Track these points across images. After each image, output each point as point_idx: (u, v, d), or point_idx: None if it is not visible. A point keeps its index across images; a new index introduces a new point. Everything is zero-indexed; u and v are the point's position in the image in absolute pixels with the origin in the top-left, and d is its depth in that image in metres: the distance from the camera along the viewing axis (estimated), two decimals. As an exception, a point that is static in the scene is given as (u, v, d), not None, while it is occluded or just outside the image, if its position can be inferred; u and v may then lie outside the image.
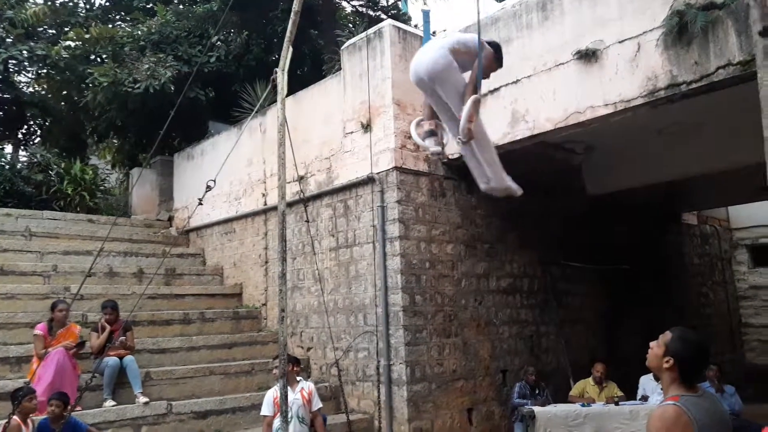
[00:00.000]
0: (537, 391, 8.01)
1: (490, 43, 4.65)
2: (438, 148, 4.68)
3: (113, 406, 6.74)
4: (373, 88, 8.00)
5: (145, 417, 6.73)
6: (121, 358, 7.06)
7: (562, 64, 6.80)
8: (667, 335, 2.53)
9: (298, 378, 6.20)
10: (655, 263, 12.02)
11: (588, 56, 6.55)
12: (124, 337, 7.19)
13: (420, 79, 4.58)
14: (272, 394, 6.04)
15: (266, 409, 6.06)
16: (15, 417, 5.30)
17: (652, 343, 2.57)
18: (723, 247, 15.34)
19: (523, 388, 7.97)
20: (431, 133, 4.72)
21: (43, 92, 14.99)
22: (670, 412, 2.32)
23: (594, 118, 6.57)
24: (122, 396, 7.01)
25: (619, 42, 6.33)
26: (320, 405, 6.14)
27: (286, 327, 4.97)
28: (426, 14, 5.20)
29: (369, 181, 7.95)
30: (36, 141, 15.66)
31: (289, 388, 5.92)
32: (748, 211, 14.80)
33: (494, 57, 4.59)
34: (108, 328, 7.20)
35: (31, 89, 15.39)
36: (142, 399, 6.86)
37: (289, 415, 5.90)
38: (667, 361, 2.46)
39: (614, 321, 10.41)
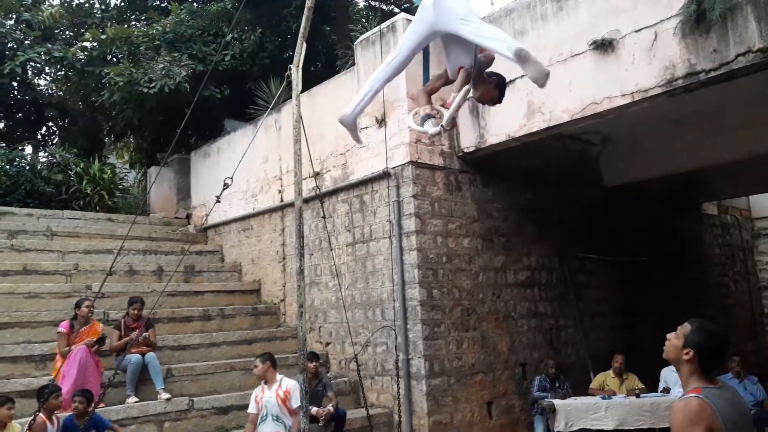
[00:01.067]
0: (557, 384, 7.98)
1: (496, 74, 4.42)
2: (436, 129, 4.55)
3: (136, 402, 6.84)
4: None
5: (167, 413, 6.82)
6: (143, 354, 7.16)
7: (578, 54, 6.74)
8: (686, 327, 2.50)
9: (279, 376, 6.19)
10: (674, 254, 11.88)
11: (604, 46, 6.48)
12: (146, 333, 7.29)
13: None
14: (256, 392, 6.17)
15: (250, 407, 6.18)
16: (41, 414, 5.39)
17: (669, 335, 2.54)
18: (744, 237, 15.12)
19: (543, 381, 7.95)
20: (428, 116, 4.61)
21: (61, 93, 15.16)
22: (693, 405, 2.29)
23: (611, 109, 6.51)
24: (144, 392, 7.10)
25: (636, 31, 6.26)
26: (298, 403, 5.70)
27: (305, 322, 5.00)
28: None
29: (384, 175, 7.95)
30: (55, 141, 15.85)
31: (265, 386, 6.07)
32: (770, 200, 14.57)
33: (494, 85, 4.37)
34: (124, 338, 7.28)
35: (49, 90, 15.58)
36: (164, 395, 6.95)
37: (264, 413, 6.01)
38: (686, 353, 2.44)
39: (633, 313, 10.32)
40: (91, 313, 7.09)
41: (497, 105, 4.75)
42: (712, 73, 5.73)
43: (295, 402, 5.88)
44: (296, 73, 4.71)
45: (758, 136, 8.26)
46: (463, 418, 7.63)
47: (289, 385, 6.10)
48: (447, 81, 4.59)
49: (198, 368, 7.73)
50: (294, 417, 5.91)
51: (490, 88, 4.22)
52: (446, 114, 4.13)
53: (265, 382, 6.17)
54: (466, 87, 4.09)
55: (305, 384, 5.36)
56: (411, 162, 7.73)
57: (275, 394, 6.04)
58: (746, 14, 5.49)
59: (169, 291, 8.68)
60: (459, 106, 4.08)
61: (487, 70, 4.27)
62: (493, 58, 4.27)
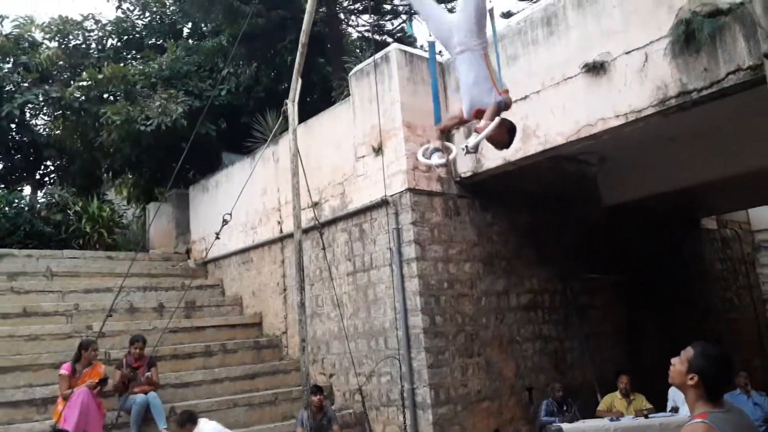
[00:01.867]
0: (565, 408, 7.88)
1: (509, 121, 4.35)
2: (443, 161, 4.61)
3: (140, 443, 6.75)
4: (383, 112, 8.05)
5: (171, 453, 6.73)
6: (145, 393, 7.08)
7: (570, 77, 6.81)
8: (689, 351, 2.49)
9: (201, 423, 6.54)
10: (675, 270, 11.85)
11: (596, 68, 6.55)
12: (149, 373, 7.22)
13: None
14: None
15: None
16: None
17: (674, 360, 2.53)
18: (745, 251, 15.09)
19: (550, 405, 7.86)
20: (435, 150, 4.66)
21: (59, 133, 15.25)
22: (698, 430, 2.28)
23: (605, 130, 6.56)
24: (147, 432, 7.02)
25: (626, 53, 6.33)
26: None
27: (307, 356, 4.97)
28: (432, 45, 5.23)
29: (383, 203, 7.97)
30: (53, 181, 15.89)
31: None
32: (769, 213, 14.58)
33: (507, 129, 4.28)
34: (123, 375, 7.23)
35: (47, 131, 15.68)
36: (168, 434, 6.86)
37: None
38: (691, 378, 2.42)
39: (638, 331, 10.26)
40: (96, 356, 7.05)
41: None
42: (704, 92, 5.79)
43: None
44: (292, 108, 4.76)
45: (753, 150, 8.31)
46: (472, 446, 7.52)
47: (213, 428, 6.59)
48: (461, 121, 4.62)
49: (201, 405, 7.64)
50: None
51: (504, 132, 4.18)
52: (474, 139, 4.09)
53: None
54: (498, 118, 4.07)
55: (310, 419, 5.31)
56: (409, 189, 7.75)
57: None
58: (734, 33, 5.56)
59: (170, 328, 8.60)
60: (489, 134, 4.07)
61: (504, 114, 4.28)
62: (511, 103, 4.27)
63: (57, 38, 14.68)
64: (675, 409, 7.72)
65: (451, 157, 4.79)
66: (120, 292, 7.36)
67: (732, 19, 5.56)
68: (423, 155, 4.80)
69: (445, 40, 4.39)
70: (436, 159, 4.62)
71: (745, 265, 14.87)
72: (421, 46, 15.04)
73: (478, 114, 4.17)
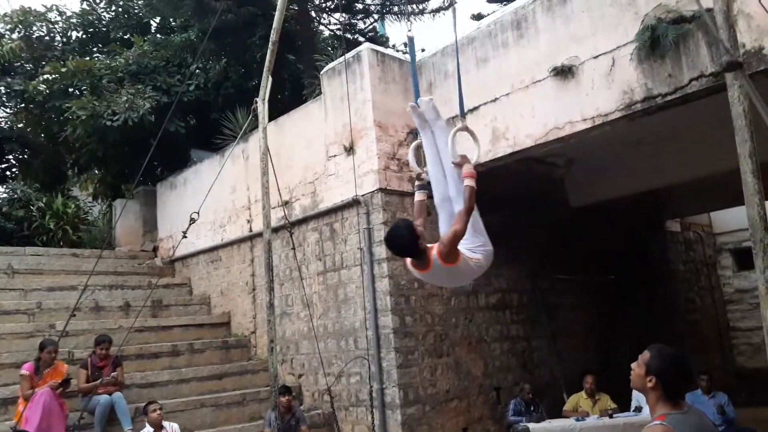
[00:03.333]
0: (532, 408, 7.98)
1: None
2: (422, 197, 4.55)
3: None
4: (355, 111, 8.04)
5: (135, 454, 6.62)
6: (110, 394, 6.96)
7: (539, 81, 6.89)
8: (645, 355, 2.54)
9: (164, 423, 6.63)
10: (641, 271, 12.10)
11: (564, 72, 6.64)
12: (115, 373, 7.10)
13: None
14: None
15: None
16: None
17: (633, 364, 2.58)
18: (707, 253, 15.50)
19: (518, 405, 7.95)
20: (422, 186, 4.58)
21: (21, 126, 14.89)
22: (657, 431, 2.32)
23: (573, 133, 6.64)
24: (112, 434, 6.89)
25: (594, 57, 6.43)
26: None
27: (276, 357, 4.94)
28: (411, 40, 5.25)
29: (354, 203, 7.96)
30: (15, 176, 15.49)
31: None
32: (730, 216, 14.97)
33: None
34: (91, 378, 7.11)
35: (8, 124, 15.27)
36: (132, 436, 6.75)
37: None
38: (650, 380, 2.47)
39: (605, 331, 10.45)
40: (55, 358, 6.89)
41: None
42: (669, 97, 5.90)
43: None
44: (262, 107, 4.72)
45: (715, 155, 8.50)
46: (440, 445, 7.57)
47: (174, 428, 6.71)
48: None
49: (167, 406, 7.50)
50: None
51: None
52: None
53: (155, 429, 6.53)
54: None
55: (278, 419, 5.28)
56: (380, 189, 7.75)
57: None
58: (698, 40, 5.69)
59: (136, 327, 8.47)
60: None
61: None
62: (448, 251, 3.94)
63: (19, 30, 14.29)
64: (638, 409, 7.87)
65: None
66: (85, 290, 7.21)
67: (695, 26, 5.68)
68: (413, 161, 4.75)
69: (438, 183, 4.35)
70: (418, 191, 4.52)
71: (707, 266, 15.28)
72: (393, 46, 15.09)
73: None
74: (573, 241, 10.12)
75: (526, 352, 9.10)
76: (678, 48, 5.77)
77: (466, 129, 4.36)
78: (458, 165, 4.10)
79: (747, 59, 5.16)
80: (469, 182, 3.95)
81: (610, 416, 7.54)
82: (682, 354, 2.58)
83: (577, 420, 7.55)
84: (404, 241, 3.86)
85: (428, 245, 3.91)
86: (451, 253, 3.82)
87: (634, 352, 2.69)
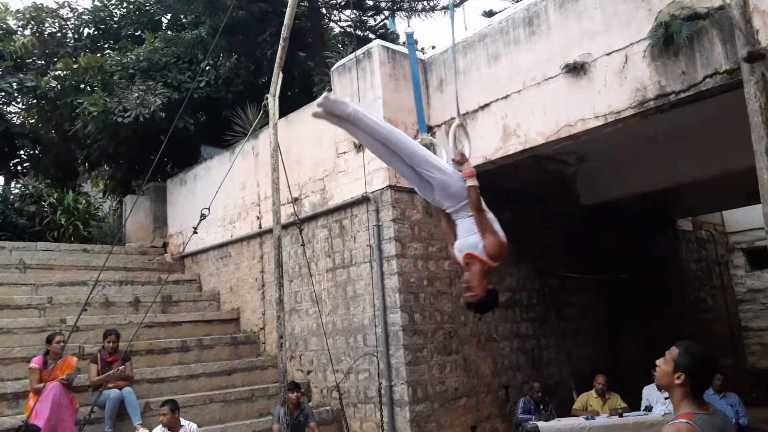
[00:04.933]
0: (541, 406, 7.94)
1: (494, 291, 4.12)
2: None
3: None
4: (365, 108, 7.99)
5: (145, 449, 6.65)
6: (120, 389, 6.99)
7: (551, 78, 6.84)
8: (673, 351, 2.49)
9: (183, 422, 6.51)
10: (652, 270, 12.02)
11: (576, 69, 6.59)
12: (123, 367, 7.13)
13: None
14: None
15: None
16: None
17: (658, 361, 2.53)
18: (719, 252, 15.36)
19: (527, 404, 7.92)
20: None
21: (33, 122, 14.98)
22: (682, 430, 2.29)
23: (585, 131, 6.60)
24: (121, 428, 6.93)
25: (607, 54, 6.38)
26: None
27: (285, 353, 4.94)
28: (409, 36, 5.22)
29: (364, 200, 7.95)
30: (27, 172, 15.59)
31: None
32: (743, 215, 14.82)
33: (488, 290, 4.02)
34: (101, 372, 7.13)
35: (21, 120, 15.37)
36: (143, 431, 6.78)
37: None
38: (678, 377, 2.43)
39: (615, 330, 10.38)
40: (63, 348, 6.92)
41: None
42: (682, 95, 5.84)
43: None
44: (273, 103, 4.71)
45: (730, 153, 8.42)
46: (448, 443, 7.55)
47: (192, 427, 6.58)
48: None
49: (177, 401, 7.55)
50: None
51: (482, 285, 3.93)
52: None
53: (169, 429, 6.40)
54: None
55: (287, 415, 5.28)
56: (390, 186, 7.73)
57: None
58: (712, 37, 5.62)
59: (146, 322, 8.51)
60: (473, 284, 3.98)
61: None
62: (501, 258, 4.04)
63: (31, 26, 14.37)
64: (648, 408, 7.83)
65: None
66: (95, 285, 7.23)
67: (710, 23, 5.62)
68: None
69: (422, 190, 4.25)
70: None
71: (719, 266, 15.14)
72: (403, 43, 15.05)
73: (466, 258, 4.03)
74: (584, 240, 10.05)
75: (535, 350, 9.06)
76: (692, 45, 5.71)
77: (461, 127, 4.33)
78: (458, 163, 4.07)
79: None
80: (472, 182, 3.95)
81: (620, 415, 7.50)
82: (710, 352, 2.54)
83: (587, 419, 7.51)
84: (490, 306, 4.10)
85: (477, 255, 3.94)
86: (499, 254, 3.94)
87: (644, 352, 2.67)
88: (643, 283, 11.32)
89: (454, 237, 4.14)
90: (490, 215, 4.05)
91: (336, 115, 3.99)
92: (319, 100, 3.83)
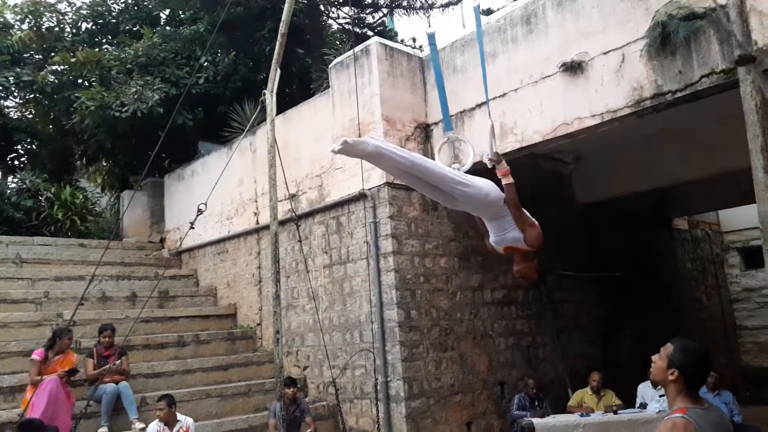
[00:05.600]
0: (536, 403, 7.99)
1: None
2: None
3: (108, 433, 6.69)
4: (362, 105, 8.02)
5: (141, 443, 6.67)
6: (116, 383, 7.01)
7: (549, 76, 6.87)
8: (668, 347, 2.54)
9: (179, 417, 6.51)
10: (648, 269, 12.07)
11: (573, 68, 6.61)
12: (119, 362, 7.15)
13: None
14: (155, 428, 6.37)
15: None
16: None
17: (654, 357, 2.57)
18: (715, 251, 15.43)
19: (522, 400, 7.96)
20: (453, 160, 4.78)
21: (30, 117, 14.94)
22: (679, 424, 2.33)
23: (581, 129, 6.63)
24: (118, 422, 6.94)
25: (604, 53, 6.40)
26: None
27: (281, 348, 4.96)
28: (431, 37, 5.28)
29: (361, 197, 7.96)
30: (24, 166, 15.56)
31: (166, 427, 6.38)
32: (739, 214, 14.90)
33: (536, 267, 4.49)
34: (98, 367, 7.14)
35: (18, 114, 15.34)
36: (138, 425, 6.79)
37: None
38: (672, 374, 2.47)
39: (610, 328, 10.43)
40: (70, 344, 6.96)
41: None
42: (678, 94, 5.87)
43: None
44: (270, 99, 4.72)
45: (724, 153, 8.46)
46: (443, 439, 7.59)
47: (188, 422, 6.54)
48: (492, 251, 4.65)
49: (173, 396, 7.58)
50: None
51: (533, 268, 4.36)
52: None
53: (166, 423, 6.40)
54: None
55: (283, 410, 5.31)
56: (387, 183, 7.75)
57: None
58: (709, 36, 5.65)
59: (142, 317, 8.53)
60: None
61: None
62: (541, 244, 4.32)
63: (29, 20, 14.33)
64: (643, 406, 7.88)
65: (468, 166, 4.92)
66: (92, 280, 7.25)
67: (707, 23, 5.64)
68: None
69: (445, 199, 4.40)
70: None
71: (714, 265, 15.21)
72: (402, 40, 15.05)
73: (507, 250, 4.44)
74: (580, 238, 10.09)
75: (530, 347, 9.10)
76: (689, 44, 5.74)
77: (492, 130, 4.44)
78: (496, 162, 4.19)
79: (759, 57, 5.12)
80: (507, 179, 4.24)
81: (615, 412, 7.54)
82: (704, 349, 2.59)
83: (582, 416, 7.56)
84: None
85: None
86: (540, 242, 4.32)
87: (639, 350, 2.70)
88: (638, 281, 11.37)
89: (487, 232, 4.44)
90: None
91: (357, 154, 4.00)
92: (337, 146, 3.78)
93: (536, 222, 4.29)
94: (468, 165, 4.98)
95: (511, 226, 4.24)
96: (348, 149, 3.79)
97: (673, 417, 2.38)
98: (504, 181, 4.19)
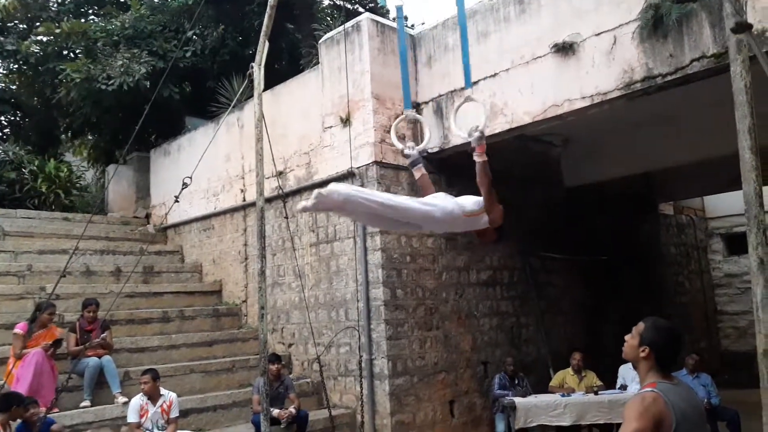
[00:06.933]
0: (516, 382, 8.08)
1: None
2: (421, 171, 4.62)
3: (90, 406, 6.66)
4: (352, 82, 7.96)
5: (124, 417, 6.64)
6: (99, 357, 6.98)
7: (540, 57, 6.83)
8: (640, 326, 2.60)
9: (162, 392, 6.50)
10: (633, 253, 12.17)
11: (565, 49, 6.58)
12: (104, 334, 7.12)
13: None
14: (138, 402, 6.37)
15: (132, 416, 6.35)
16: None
17: (627, 336, 2.62)
18: (699, 237, 15.58)
19: (502, 379, 8.04)
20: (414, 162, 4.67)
21: (14, 88, 14.68)
22: (647, 397, 2.37)
23: (571, 111, 6.62)
24: (100, 396, 6.93)
25: (596, 35, 6.37)
26: (177, 414, 6.51)
27: (266, 325, 4.95)
28: (399, 9, 5.17)
29: (349, 175, 7.92)
30: (7, 138, 15.32)
31: (150, 401, 6.37)
32: (723, 201, 15.04)
33: (495, 230, 4.36)
34: (80, 341, 7.10)
35: (2, 85, 15.06)
36: (121, 399, 6.79)
37: (150, 425, 6.33)
38: (643, 350, 2.52)
39: (594, 311, 10.53)
40: (52, 319, 6.90)
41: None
42: (669, 77, 5.87)
43: (174, 413, 6.47)
44: (258, 72, 4.66)
45: (714, 139, 8.49)
46: (426, 417, 7.66)
47: (170, 397, 6.51)
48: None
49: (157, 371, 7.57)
50: (171, 425, 6.43)
51: (491, 232, 4.33)
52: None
53: (149, 398, 6.40)
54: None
55: (266, 386, 5.32)
56: (375, 162, 7.71)
57: (160, 409, 6.41)
58: (701, 20, 5.64)
59: (127, 292, 8.49)
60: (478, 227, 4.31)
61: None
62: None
63: (13, -12, 14.01)
64: (624, 387, 7.99)
65: (422, 146, 4.88)
66: (74, 252, 7.18)
67: (699, 6, 5.63)
68: (395, 137, 4.85)
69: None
70: (408, 149, 4.65)
71: (697, 250, 15.37)
72: (394, 18, 14.89)
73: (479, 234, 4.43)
74: (566, 221, 10.14)
75: (514, 328, 9.17)
76: (681, 28, 5.73)
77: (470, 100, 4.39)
78: (480, 138, 4.16)
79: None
80: (483, 158, 4.18)
81: (596, 393, 7.65)
82: (675, 327, 2.64)
83: (563, 396, 7.65)
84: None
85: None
86: (501, 220, 4.26)
87: (622, 333, 2.73)
88: (623, 265, 11.46)
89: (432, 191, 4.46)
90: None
91: (329, 207, 3.85)
92: (310, 202, 3.58)
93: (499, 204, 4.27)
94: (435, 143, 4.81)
95: (474, 223, 4.26)
96: (321, 201, 3.57)
97: (642, 392, 2.43)
98: (479, 159, 4.12)
